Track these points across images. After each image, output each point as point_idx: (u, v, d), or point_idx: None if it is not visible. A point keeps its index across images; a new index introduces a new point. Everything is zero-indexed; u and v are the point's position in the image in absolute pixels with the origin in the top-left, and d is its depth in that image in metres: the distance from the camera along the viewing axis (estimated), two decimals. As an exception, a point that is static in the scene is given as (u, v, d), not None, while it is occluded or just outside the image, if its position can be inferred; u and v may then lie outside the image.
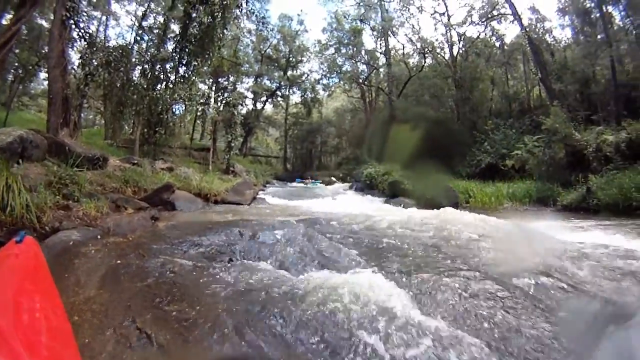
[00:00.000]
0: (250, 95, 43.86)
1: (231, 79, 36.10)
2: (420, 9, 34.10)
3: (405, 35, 35.93)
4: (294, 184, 34.68)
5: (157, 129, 19.53)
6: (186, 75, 20.38)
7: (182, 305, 3.66)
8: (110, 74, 18.13)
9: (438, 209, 11.54)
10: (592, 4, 23.91)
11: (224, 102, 27.97)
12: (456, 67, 30.86)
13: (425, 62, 34.79)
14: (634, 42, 21.45)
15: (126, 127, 22.42)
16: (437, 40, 33.80)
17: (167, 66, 20.74)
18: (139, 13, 28.21)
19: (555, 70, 24.17)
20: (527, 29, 26.53)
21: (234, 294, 3.92)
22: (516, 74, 33.10)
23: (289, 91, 48.55)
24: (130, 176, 11.16)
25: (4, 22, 13.51)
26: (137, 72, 21.03)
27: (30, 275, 1.76)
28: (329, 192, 24.22)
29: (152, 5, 27.90)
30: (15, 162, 7.93)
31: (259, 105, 46.56)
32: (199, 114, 25.45)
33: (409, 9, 34.49)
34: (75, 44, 17.77)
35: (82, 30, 16.73)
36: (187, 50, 19.73)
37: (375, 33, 38.24)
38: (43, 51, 23.05)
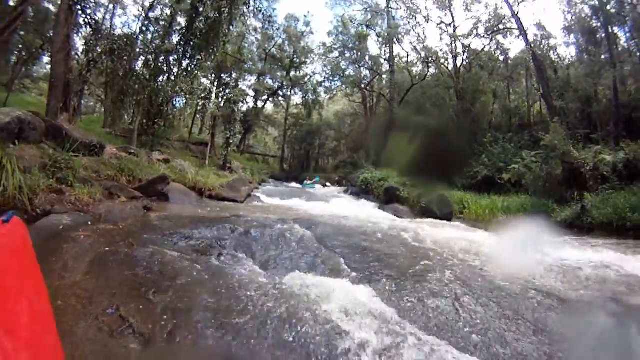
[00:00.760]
0: (251, 93, 43.81)
1: (234, 75, 36.14)
2: (427, 18, 34.12)
3: (410, 43, 35.93)
4: (292, 184, 34.32)
5: (156, 121, 19.49)
6: (189, 68, 20.35)
7: (167, 296, 3.65)
8: (113, 62, 18.02)
9: (432, 217, 11.56)
10: (598, 24, 23.97)
11: (225, 98, 27.98)
12: (459, 78, 30.89)
13: (428, 71, 34.84)
14: (638, 63, 21.51)
15: (126, 117, 22.34)
16: (441, 50, 33.82)
17: (171, 58, 20.67)
18: (147, 4, 28.06)
19: (557, 87, 24.25)
20: (532, 45, 26.57)
21: (220, 289, 3.91)
22: (518, 89, 33.14)
23: (290, 91, 48.43)
24: (126, 165, 11.09)
25: (11, 2, 13.48)
26: (140, 62, 20.98)
27: (15, 256, 1.72)
28: (323, 194, 24.18)
29: (160, -3, 27.88)
30: (12, 143, 7.88)
31: (259, 104, 46.42)
32: (199, 108, 25.47)
33: (415, 18, 34.49)
34: (80, 30, 17.78)
35: (89, 17, 16.70)
36: (191, 43, 19.71)
37: (380, 39, 38.15)
38: (48, 35, 22.91)
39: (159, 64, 20.31)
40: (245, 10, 22.99)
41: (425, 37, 35.54)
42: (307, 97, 48.00)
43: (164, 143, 21.91)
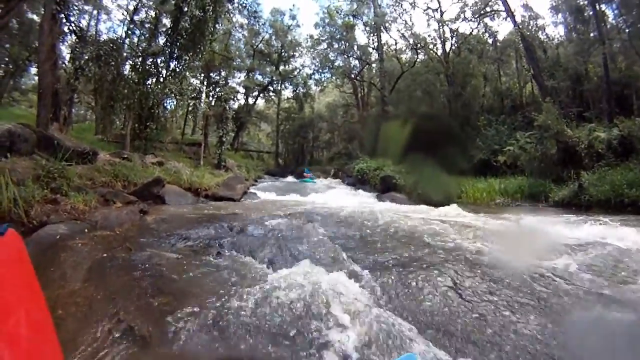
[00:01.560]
0: (242, 90, 43.71)
1: (223, 73, 35.95)
2: (413, 4, 34.06)
3: (398, 30, 35.82)
4: (288, 178, 34.22)
5: (148, 124, 19.41)
6: (177, 69, 20.27)
7: (167, 298, 3.64)
8: (100, 68, 17.93)
9: (429, 204, 11.56)
10: (585, 2, 23.95)
11: (215, 96, 27.85)
12: (448, 63, 30.85)
13: (417, 57, 34.74)
14: (627, 40, 21.51)
15: (117, 122, 22.26)
16: (429, 36, 33.76)
17: (159, 60, 20.59)
18: (131, 7, 27.94)
19: (547, 67, 24.24)
20: (520, 26, 26.55)
21: (220, 289, 3.89)
22: (509, 71, 33.11)
23: (281, 86, 48.30)
24: (120, 170, 11.09)
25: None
26: (128, 67, 20.89)
27: (12, 268, 1.71)
28: (319, 186, 24.17)
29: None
30: (3, 156, 7.85)
31: (250, 100, 46.38)
32: (190, 108, 25.33)
33: (401, 5, 34.46)
34: (66, 38, 17.70)
35: (73, 24, 16.66)
36: (178, 44, 19.63)
37: (367, 28, 38.06)
38: (34, 46, 22.83)
39: (147, 67, 20.23)
40: (230, 7, 22.96)
41: (412, 23, 35.52)
42: (297, 91, 47.98)
43: (157, 146, 21.81)
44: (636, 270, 4.64)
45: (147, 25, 24.01)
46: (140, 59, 20.59)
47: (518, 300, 3.79)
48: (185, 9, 19.01)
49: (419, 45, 33.43)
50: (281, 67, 46.10)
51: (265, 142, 58.63)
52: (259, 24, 42.59)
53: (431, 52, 33.56)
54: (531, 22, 29.00)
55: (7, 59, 26.41)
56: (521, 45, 26.49)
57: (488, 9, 30.67)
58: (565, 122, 16.43)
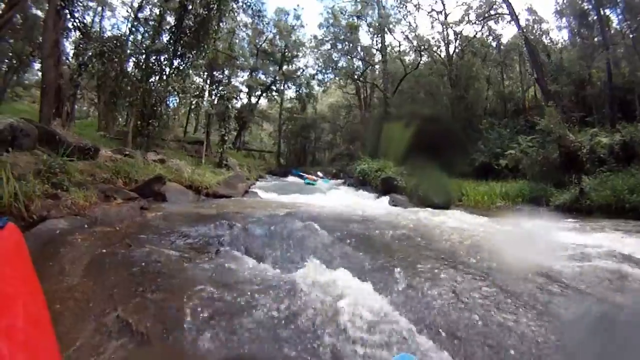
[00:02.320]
0: (244, 89, 43.75)
1: (226, 72, 36.07)
2: (417, 6, 34.09)
3: (402, 32, 35.90)
4: (289, 178, 34.20)
5: (150, 121, 19.41)
6: (181, 67, 20.31)
7: (165, 294, 3.64)
8: (104, 64, 17.98)
9: (430, 206, 11.55)
10: (590, 7, 23.93)
11: (218, 95, 27.95)
12: (452, 65, 30.92)
13: (421, 59, 34.78)
14: (631, 45, 21.48)
15: (120, 119, 22.29)
16: (433, 38, 33.89)
17: (162, 58, 20.60)
18: (135, 4, 27.96)
19: (551, 71, 24.24)
20: (524, 30, 26.58)
21: (218, 285, 3.88)
22: (512, 74, 33.17)
23: (283, 86, 48.28)
24: (122, 167, 11.09)
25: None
26: (131, 64, 20.95)
27: (10, 261, 1.70)
28: (320, 187, 24.17)
29: (149, -4, 27.75)
30: (5, 151, 7.87)
31: (253, 100, 46.29)
32: (193, 106, 25.39)
33: (406, 7, 34.46)
34: (69, 34, 17.73)
35: (77, 21, 16.70)
36: (182, 42, 19.66)
37: (371, 30, 38.08)
38: (37, 41, 22.84)
39: (150, 64, 20.26)
40: (234, 6, 22.95)
41: (416, 25, 35.60)
42: (300, 91, 48.02)
43: (159, 143, 21.82)
44: (637, 275, 4.63)
45: (151, 23, 24.03)
46: (143, 56, 20.64)
47: (520, 304, 3.78)
48: (190, 7, 19.06)
49: (422, 47, 33.46)
50: (284, 67, 46.07)
51: (267, 141, 58.65)
52: (263, 24, 42.72)
53: (435, 54, 33.62)
54: (535, 26, 29.10)
55: (10, 54, 26.42)
56: (525, 49, 26.52)
57: (492, 12, 30.67)
58: (568, 126, 16.42)
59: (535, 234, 7.97)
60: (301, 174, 33.78)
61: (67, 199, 6.93)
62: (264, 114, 52.45)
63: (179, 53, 20.15)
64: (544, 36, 28.91)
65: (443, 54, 33.00)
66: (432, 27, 33.89)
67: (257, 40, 43.94)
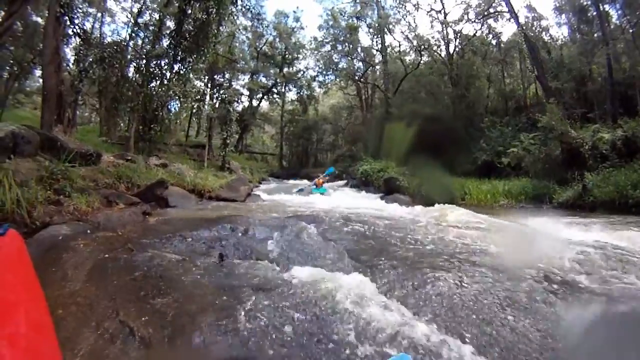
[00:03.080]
0: (246, 92, 43.95)
1: (227, 75, 36.14)
2: (416, 6, 34.12)
3: (402, 32, 35.98)
4: (292, 181, 33.98)
5: (152, 126, 19.41)
6: (181, 71, 20.30)
7: (168, 299, 3.63)
8: (104, 70, 18.00)
9: (433, 206, 11.53)
10: (589, 3, 23.93)
11: (219, 98, 27.89)
12: (452, 64, 30.93)
13: (421, 59, 34.77)
14: (631, 40, 21.46)
15: (121, 124, 22.31)
16: (433, 37, 33.92)
17: (162, 63, 20.61)
18: (135, 10, 28.07)
19: (551, 68, 24.24)
20: (524, 27, 26.58)
21: (222, 289, 3.88)
22: (512, 72, 33.17)
23: (284, 88, 48.45)
24: (124, 172, 11.08)
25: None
26: (132, 69, 20.96)
27: (12, 268, 1.72)
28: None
29: (148, 2, 27.75)
30: (7, 158, 7.88)
31: (254, 102, 46.41)
32: (194, 110, 25.41)
33: (405, 7, 34.51)
34: (70, 41, 17.74)
35: (77, 27, 16.72)
36: (182, 46, 19.65)
37: (371, 30, 38.07)
38: (38, 48, 22.91)
39: (151, 69, 20.24)
40: (234, 10, 22.95)
41: (416, 25, 35.66)
42: (301, 93, 48.22)
43: (160, 148, 21.84)
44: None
45: (151, 28, 24.03)
46: (144, 61, 20.63)
47: (524, 301, 3.77)
48: (189, 11, 19.06)
49: (422, 46, 33.47)
50: (285, 69, 46.22)
51: (269, 144, 58.78)
52: (262, 26, 42.93)
53: (435, 53, 33.62)
54: (535, 23, 29.12)
55: (11, 62, 26.48)
56: (525, 46, 26.54)
57: (491, 11, 30.68)
58: (569, 123, 16.41)
59: (538, 231, 7.95)
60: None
61: (70, 205, 6.93)
62: (265, 116, 52.61)
63: (179, 57, 20.13)
64: (543, 33, 28.96)
65: (443, 53, 33.04)
66: (432, 26, 34.03)
67: (257, 43, 44.05)
